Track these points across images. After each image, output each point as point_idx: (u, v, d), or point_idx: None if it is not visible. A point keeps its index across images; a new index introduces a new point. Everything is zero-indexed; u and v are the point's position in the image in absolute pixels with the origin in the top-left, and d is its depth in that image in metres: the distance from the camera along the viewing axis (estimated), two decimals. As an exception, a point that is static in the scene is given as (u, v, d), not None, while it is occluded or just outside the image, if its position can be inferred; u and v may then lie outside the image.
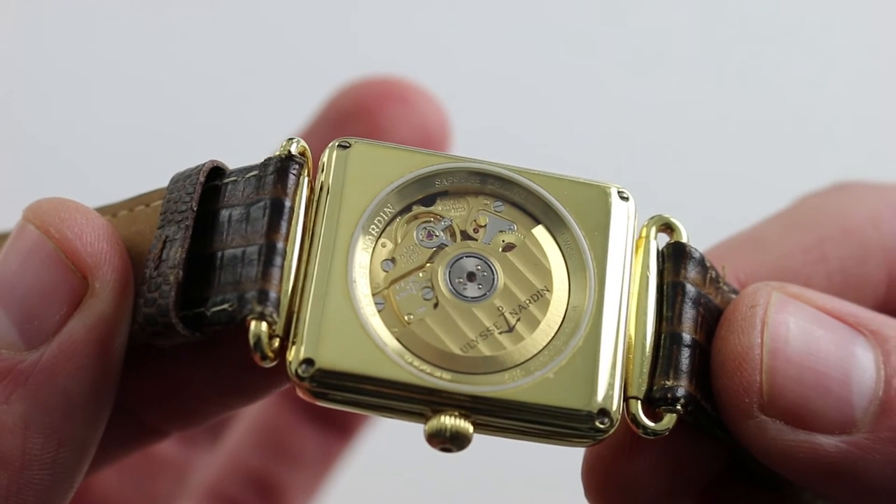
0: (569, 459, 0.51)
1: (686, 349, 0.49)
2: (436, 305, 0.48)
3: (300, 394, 0.47)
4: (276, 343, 0.47)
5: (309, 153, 0.49)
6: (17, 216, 0.54)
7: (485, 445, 0.49)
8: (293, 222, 0.48)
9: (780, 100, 1.14)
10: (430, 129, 0.68)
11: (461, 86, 0.99)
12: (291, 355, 0.47)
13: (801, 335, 0.49)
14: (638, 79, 1.15)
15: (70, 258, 0.48)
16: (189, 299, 0.48)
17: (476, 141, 0.65)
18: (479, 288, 0.49)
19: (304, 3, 1.17)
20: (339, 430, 0.74)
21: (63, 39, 1.14)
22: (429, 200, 0.50)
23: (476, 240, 0.50)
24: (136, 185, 0.55)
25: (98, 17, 1.15)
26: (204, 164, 0.49)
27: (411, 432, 0.58)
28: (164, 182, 0.52)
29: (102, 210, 0.51)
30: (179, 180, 0.49)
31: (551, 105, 1.14)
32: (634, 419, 0.48)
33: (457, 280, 0.49)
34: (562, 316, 0.49)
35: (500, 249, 0.49)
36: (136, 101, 1.13)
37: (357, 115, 0.67)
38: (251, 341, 0.46)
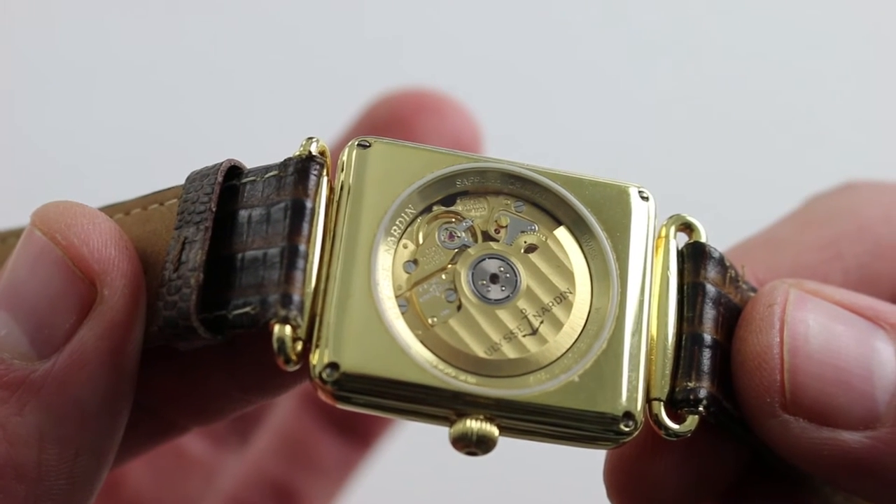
0: (591, 460, 0.51)
1: (707, 350, 0.49)
2: (459, 308, 0.48)
3: (322, 396, 0.47)
4: (300, 346, 0.46)
5: (328, 153, 0.48)
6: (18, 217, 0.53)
7: (505, 447, 0.48)
8: (314, 223, 0.47)
9: (789, 102, 1.14)
10: (463, 140, 0.68)
11: (481, 88, 0.98)
12: (315, 359, 0.46)
13: (820, 332, 0.48)
14: (652, 80, 1.15)
15: (77, 265, 0.47)
16: (209, 301, 0.47)
17: (497, 142, 0.65)
18: (503, 290, 0.48)
19: (323, 4, 1.15)
20: (360, 439, 0.74)
21: (63, 39, 1.12)
22: (449, 200, 0.49)
23: (497, 241, 0.49)
24: (136, 187, 0.54)
25: (99, 16, 1.13)
26: (221, 164, 0.48)
27: (429, 440, 0.57)
28: (166, 184, 0.51)
29: (114, 208, 0.50)
30: (196, 179, 0.48)
31: (568, 105, 1.13)
32: (657, 421, 0.48)
33: (480, 282, 0.48)
34: (585, 318, 0.48)
35: (522, 251, 0.49)
36: (138, 101, 1.11)
37: (391, 126, 0.67)
38: (275, 345, 0.45)
